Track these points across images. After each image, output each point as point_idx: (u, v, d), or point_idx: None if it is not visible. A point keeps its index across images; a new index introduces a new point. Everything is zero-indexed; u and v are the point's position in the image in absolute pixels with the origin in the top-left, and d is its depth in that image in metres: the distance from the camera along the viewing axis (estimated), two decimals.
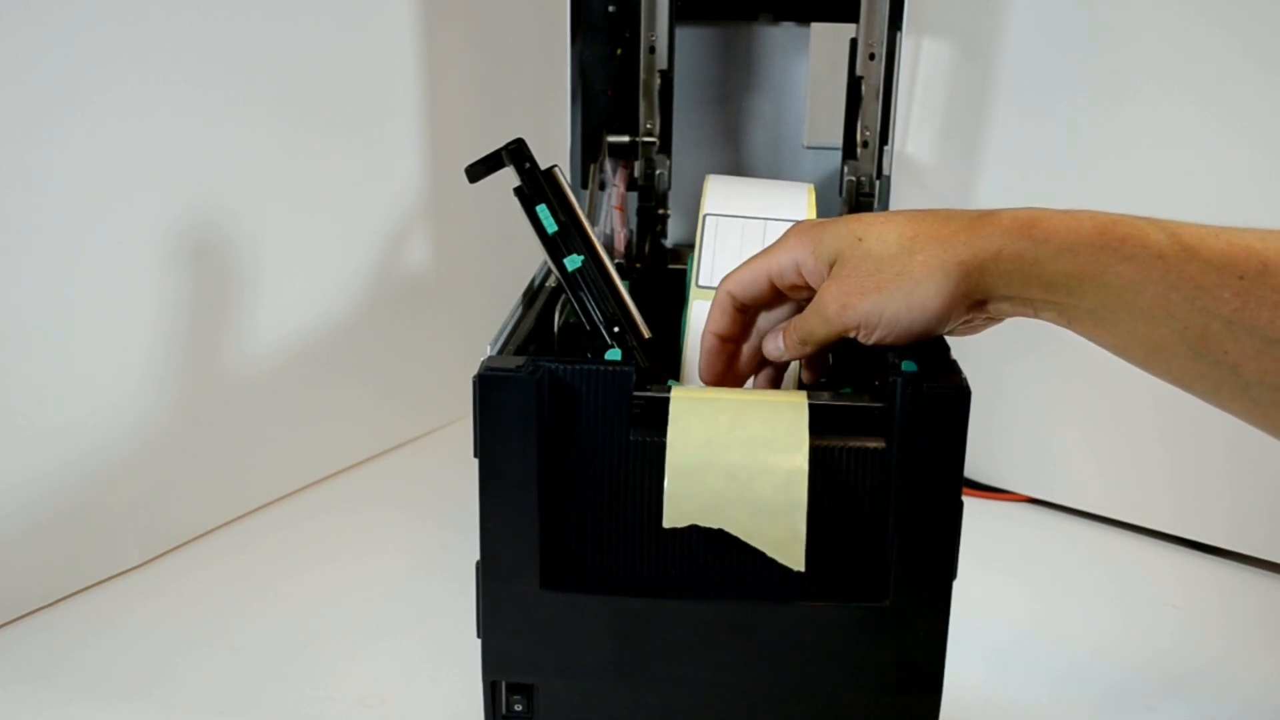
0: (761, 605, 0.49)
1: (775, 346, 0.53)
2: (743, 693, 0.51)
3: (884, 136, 0.77)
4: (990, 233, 0.45)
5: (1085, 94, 0.79)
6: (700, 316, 0.59)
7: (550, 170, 0.58)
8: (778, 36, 0.87)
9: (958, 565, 0.49)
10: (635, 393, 0.48)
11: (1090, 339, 0.45)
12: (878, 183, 0.77)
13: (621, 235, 0.77)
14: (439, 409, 1.00)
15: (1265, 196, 0.73)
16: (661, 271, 0.78)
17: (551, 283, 0.63)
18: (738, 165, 0.90)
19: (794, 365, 0.61)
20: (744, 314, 0.54)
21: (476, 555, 0.50)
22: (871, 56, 0.77)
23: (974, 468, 0.91)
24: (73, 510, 0.71)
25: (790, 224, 0.53)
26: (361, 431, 0.93)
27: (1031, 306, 0.46)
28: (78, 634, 0.67)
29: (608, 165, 0.79)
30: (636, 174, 0.81)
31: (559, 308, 0.62)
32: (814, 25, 0.86)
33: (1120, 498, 0.85)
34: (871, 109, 0.77)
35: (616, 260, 0.76)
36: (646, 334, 0.59)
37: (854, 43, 0.77)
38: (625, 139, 0.81)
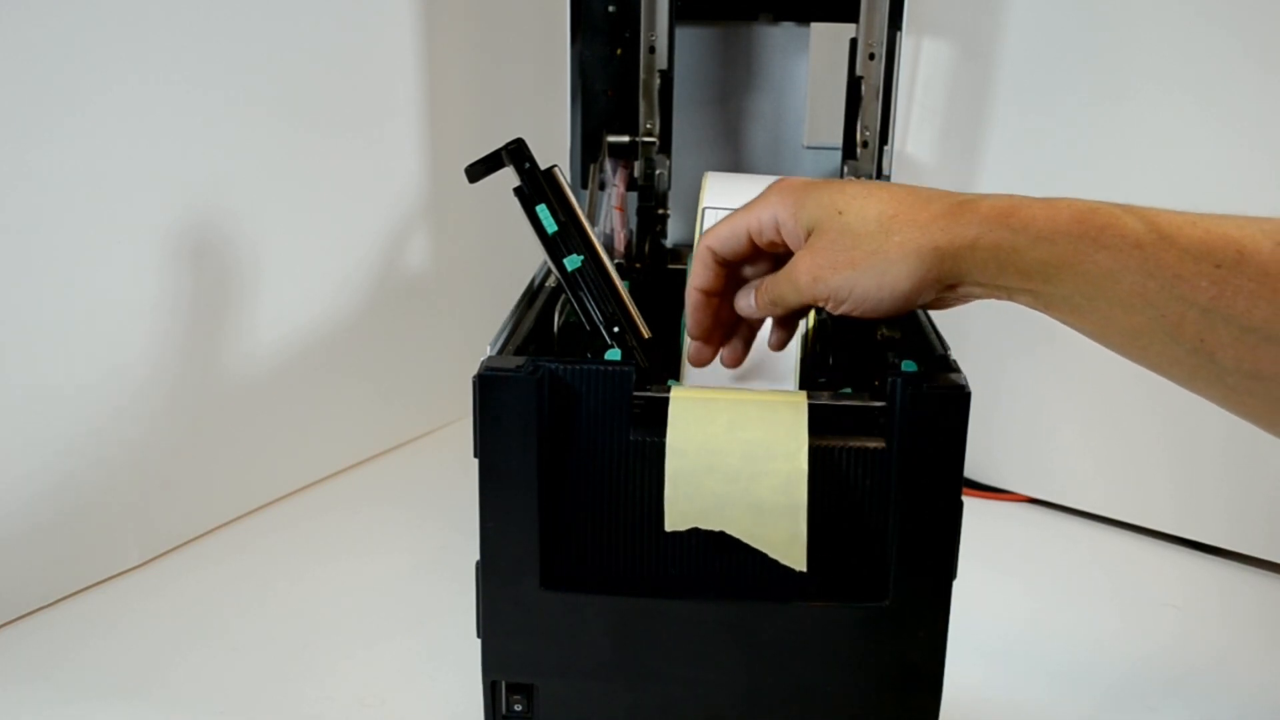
0: (761, 605, 0.49)
1: (747, 303, 0.54)
2: (743, 693, 0.51)
3: (884, 136, 0.77)
4: (969, 220, 0.45)
5: (1085, 94, 0.79)
6: None
7: (550, 170, 0.58)
8: (778, 36, 0.87)
9: (957, 565, 0.49)
10: (635, 393, 0.48)
11: (1067, 324, 0.45)
12: None
13: (621, 235, 0.77)
14: (439, 409, 1.00)
15: (1265, 196, 0.73)
16: (661, 271, 0.78)
17: (551, 283, 0.63)
18: (737, 165, 0.90)
19: (794, 358, 0.61)
20: (725, 268, 0.54)
21: (476, 555, 0.50)
22: (871, 56, 0.77)
23: (974, 468, 0.91)
24: (73, 510, 0.71)
25: None
26: (361, 431, 0.93)
27: (1006, 292, 0.46)
28: (78, 634, 0.67)
29: (608, 165, 0.79)
30: (636, 174, 0.81)
31: (559, 308, 0.62)
32: (814, 25, 0.86)
33: (1120, 498, 0.85)
34: (871, 109, 0.77)
35: (616, 260, 0.76)
36: (646, 334, 0.59)
37: (854, 43, 0.77)
38: (625, 139, 0.81)
